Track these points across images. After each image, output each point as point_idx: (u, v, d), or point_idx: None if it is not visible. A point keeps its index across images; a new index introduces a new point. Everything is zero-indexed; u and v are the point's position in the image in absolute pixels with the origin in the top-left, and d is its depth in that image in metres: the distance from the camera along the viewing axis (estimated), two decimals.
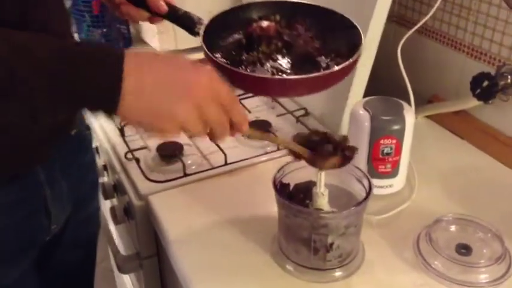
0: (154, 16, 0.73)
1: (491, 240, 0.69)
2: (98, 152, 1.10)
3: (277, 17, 0.76)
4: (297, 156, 0.65)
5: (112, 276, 1.48)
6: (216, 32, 0.71)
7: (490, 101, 0.90)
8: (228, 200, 0.81)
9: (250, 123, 0.63)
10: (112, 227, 1.10)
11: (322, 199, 0.65)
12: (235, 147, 0.94)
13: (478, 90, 0.90)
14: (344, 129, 0.94)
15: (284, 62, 0.72)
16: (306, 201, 0.65)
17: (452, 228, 0.72)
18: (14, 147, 0.65)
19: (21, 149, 0.67)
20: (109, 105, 0.53)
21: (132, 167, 0.88)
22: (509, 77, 0.87)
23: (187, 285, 0.67)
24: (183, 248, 0.72)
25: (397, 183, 0.80)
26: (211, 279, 0.67)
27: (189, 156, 0.91)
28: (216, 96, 0.57)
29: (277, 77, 0.67)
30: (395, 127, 0.75)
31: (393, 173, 0.78)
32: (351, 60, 0.66)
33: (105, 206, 1.06)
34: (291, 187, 0.68)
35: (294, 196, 0.66)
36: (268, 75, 0.68)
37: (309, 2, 0.75)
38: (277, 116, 1.05)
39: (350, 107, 0.90)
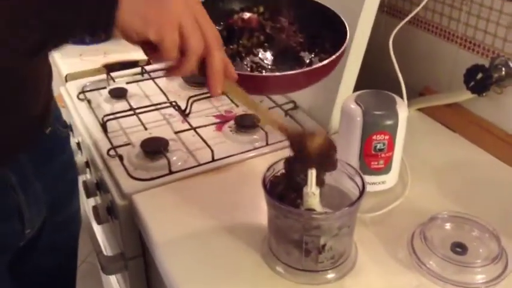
0: None
1: (487, 239, 0.67)
2: (80, 149, 1.06)
3: (261, 9, 0.73)
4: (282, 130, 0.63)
5: (97, 271, 1.45)
6: None
7: (484, 94, 0.88)
8: (216, 198, 0.78)
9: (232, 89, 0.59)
10: (95, 225, 1.06)
11: (314, 199, 0.62)
12: (222, 142, 0.91)
13: (472, 83, 0.88)
14: (334, 123, 0.91)
15: (265, 57, 0.69)
16: (297, 201, 0.62)
17: (448, 226, 0.70)
18: None
19: None
20: (109, 10, 0.51)
21: (115, 164, 0.85)
22: (503, 69, 0.85)
23: None
24: (169, 249, 0.69)
25: (390, 179, 0.78)
26: (199, 281, 0.64)
27: (175, 152, 0.87)
28: (192, 11, 0.55)
29: (255, 73, 0.64)
30: (388, 122, 0.73)
31: (386, 169, 0.76)
32: (334, 56, 0.62)
33: (88, 204, 1.03)
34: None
35: (285, 196, 0.63)
36: (247, 72, 0.65)
37: None
38: None
39: (340, 99, 0.88)
